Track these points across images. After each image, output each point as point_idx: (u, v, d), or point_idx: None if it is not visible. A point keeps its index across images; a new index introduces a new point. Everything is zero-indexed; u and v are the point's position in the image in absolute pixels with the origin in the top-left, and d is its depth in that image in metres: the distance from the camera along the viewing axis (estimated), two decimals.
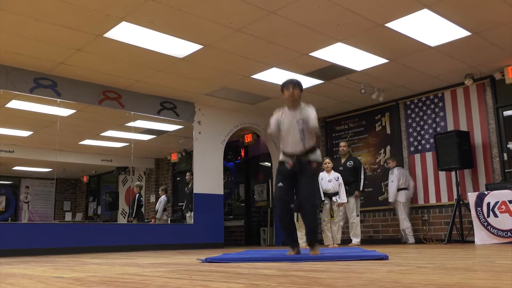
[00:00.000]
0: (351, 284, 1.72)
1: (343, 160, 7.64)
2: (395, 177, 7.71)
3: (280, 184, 3.98)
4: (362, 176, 7.48)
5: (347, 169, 7.43)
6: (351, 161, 7.60)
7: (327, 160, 7.30)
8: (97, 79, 7.12)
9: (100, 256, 5.49)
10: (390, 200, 7.79)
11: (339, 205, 7.07)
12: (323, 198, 6.96)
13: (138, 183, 10.48)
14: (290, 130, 4.01)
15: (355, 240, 7.23)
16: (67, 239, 6.81)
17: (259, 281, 1.93)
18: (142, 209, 10.21)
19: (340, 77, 7.28)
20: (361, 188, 7.39)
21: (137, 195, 9.91)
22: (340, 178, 7.18)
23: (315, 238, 3.96)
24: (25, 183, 12.61)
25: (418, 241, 7.64)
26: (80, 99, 7.15)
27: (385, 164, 8.25)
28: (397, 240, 8.08)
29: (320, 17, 5.22)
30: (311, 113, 3.97)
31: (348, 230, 7.46)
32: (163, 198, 10.32)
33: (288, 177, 3.98)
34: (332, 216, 7.06)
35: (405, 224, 7.62)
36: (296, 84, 4.06)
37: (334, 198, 7.01)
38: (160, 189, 10.65)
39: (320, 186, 6.88)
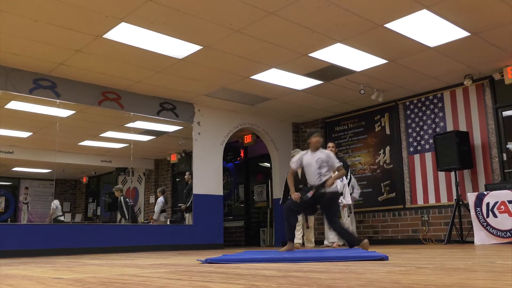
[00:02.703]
0: (350, 285, 1.72)
1: None
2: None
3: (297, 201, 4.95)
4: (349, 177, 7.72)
5: None
6: (341, 163, 7.66)
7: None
8: (97, 80, 7.12)
9: (100, 257, 5.49)
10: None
11: (344, 206, 7.08)
12: None
13: (117, 186, 10.30)
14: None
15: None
16: (66, 240, 6.81)
17: (259, 282, 1.93)
18: (135, 209, 10.11)
19: (340, 77, 7.28)
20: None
21: (121, 197, 9.79)
22: (345, 179, 7.21)
23: (352, 240, 4.98)
24: (24, 184, 12.58)
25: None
26: (80, 100, 7.16)
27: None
28: (397, 240, 8.09)
29: (320, 17, 5.22)
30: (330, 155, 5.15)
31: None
32: (160, 199, 10.29)
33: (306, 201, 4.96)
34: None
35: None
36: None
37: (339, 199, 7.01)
38: (157, 191, 10.61)
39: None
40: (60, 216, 10.07)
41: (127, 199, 9.76)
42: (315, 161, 5.01)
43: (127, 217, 9.50)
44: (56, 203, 10.02)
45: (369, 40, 5.88)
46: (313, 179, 4.99)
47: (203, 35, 5.62)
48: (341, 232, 5.04)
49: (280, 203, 7.04)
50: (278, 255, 4.02)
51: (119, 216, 9.66)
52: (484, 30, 5.67)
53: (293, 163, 5.20)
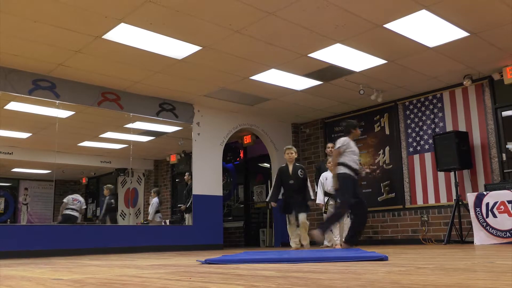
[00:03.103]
0: (350, 285, 1.72)
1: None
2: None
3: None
4: None
5: None
6: None
7: (331, 159, 7.26)
8: (96, 81, 7.12)
9: (99, 257, 5.48)
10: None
11: None
12: (326, 199, 6.99)
13: (108, 185, 10.27)
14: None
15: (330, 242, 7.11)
16: (66, 241, 6.80)
17: (258, 282, 1.93)
18: (115, 213, 9.98)
19: (339, 78, 7.28)
20: None
21: (107, 197, 9.73)
22: None
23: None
24: (24, 185, 12.57)
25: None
26: (79, 100, 7.16)
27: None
28: (397, 241, 8.09)
29: (319, 18, 5.23)
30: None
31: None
32: (155, 200, 10.27)
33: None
34: None
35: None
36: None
37: (338, 199, 6.98)
38: (152, 191, 10.57)
39: (321, 187, 6.98)
40: (70, 210, 9.79)
41: (111, 201, 9.70)
42: (357, 150, 5.94)
43: (100, 217, 9.44)
44: (69, 197, 9.88)
45: (369, 40, 5.88)
46: (354, 163, 5.77)
47: (203, 36, 5.62)
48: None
49: (267, 199, 7.03)
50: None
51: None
52: (484, 30, 5.68)
53: (343, 146, 5.76)
